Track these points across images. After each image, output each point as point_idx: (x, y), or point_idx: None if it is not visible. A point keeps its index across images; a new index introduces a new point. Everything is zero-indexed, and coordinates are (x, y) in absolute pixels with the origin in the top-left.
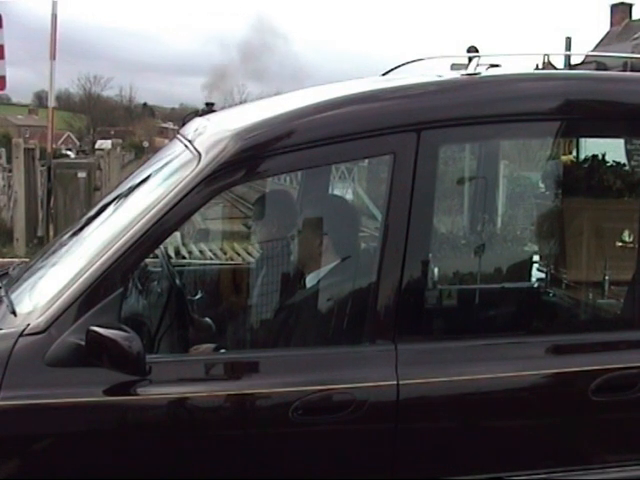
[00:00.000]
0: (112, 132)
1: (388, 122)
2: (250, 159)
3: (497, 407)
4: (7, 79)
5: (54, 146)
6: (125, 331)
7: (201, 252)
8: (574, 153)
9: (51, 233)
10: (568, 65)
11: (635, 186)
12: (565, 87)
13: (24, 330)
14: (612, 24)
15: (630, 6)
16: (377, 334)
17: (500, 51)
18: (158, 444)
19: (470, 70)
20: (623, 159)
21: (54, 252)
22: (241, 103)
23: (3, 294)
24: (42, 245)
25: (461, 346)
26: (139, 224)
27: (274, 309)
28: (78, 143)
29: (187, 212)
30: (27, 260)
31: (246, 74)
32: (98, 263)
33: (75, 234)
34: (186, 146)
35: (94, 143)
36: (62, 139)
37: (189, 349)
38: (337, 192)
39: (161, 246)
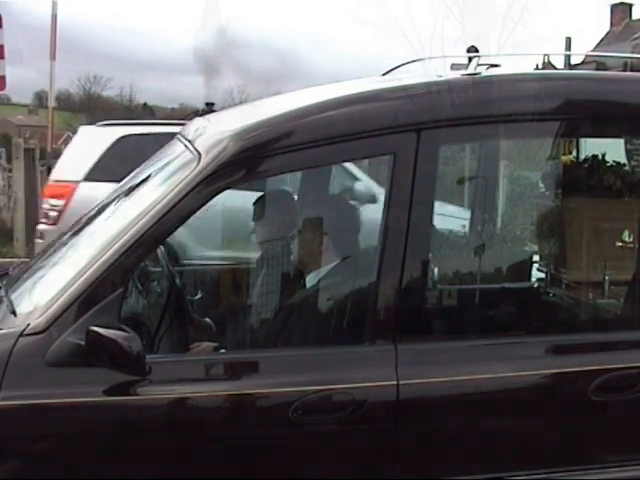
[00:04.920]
0: None
1: (388, 122)
2: (250, 159)
3: (497, 407)
4: (7, 79)
5: (54, 146)
6: (125, 331)
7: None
8: (574, 153)
9: (51, 233)
10: (568, 65)
11: (635, 186)
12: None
13: (24, 330)
14: (612, 24)
15: (630, 6)
16: (377, 334)
17: (500, 51)
18: (158, 444)
19: (470, 70)
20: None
21: (54, 252)
22: (241, 103)
23: (3, 294)
24: (42, 245)
25: (461, 346)
26: (139, 224)
27: (274, 309)
28: None
29: (187, 212)
30: (27, 260)
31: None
32: (98, 263)
33: (75, 234)
34: (186, 146)
35: None
36: (62, 139)
37: (189, 348)
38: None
39: (161, 246)
